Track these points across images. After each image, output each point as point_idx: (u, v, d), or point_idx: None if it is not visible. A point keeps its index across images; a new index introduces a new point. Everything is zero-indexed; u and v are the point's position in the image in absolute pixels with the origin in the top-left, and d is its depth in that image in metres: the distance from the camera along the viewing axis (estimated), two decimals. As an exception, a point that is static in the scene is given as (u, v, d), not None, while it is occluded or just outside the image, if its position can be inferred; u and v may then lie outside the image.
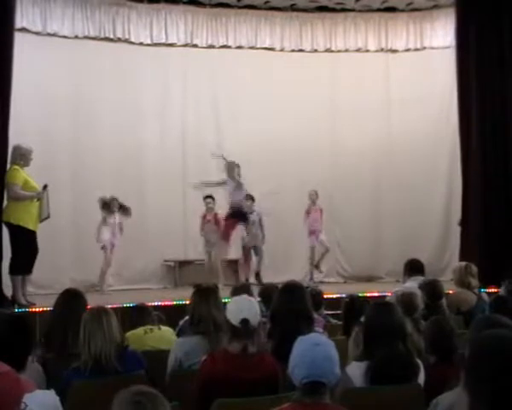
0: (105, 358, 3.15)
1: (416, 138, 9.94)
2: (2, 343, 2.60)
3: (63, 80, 9.00)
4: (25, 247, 6.93)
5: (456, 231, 9.01)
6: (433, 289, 4.71)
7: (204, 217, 8.80)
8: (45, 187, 7.09)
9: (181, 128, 9.80)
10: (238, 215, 8.53)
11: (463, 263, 5.82)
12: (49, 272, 8.37)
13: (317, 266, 9.28)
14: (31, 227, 6.96)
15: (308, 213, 9.28)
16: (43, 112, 8.90)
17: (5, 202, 7.03)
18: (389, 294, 5.35)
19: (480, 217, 8.38)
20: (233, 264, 9.71)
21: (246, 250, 9.10)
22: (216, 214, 8.83)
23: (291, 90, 9.86)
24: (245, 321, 3.02)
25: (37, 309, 6.48)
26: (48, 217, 7.18)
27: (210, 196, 8.82)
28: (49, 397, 2.55)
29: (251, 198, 8.94)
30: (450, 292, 5.61)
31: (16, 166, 7.02)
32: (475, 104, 8.46)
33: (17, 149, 7.08)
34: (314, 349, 2.35)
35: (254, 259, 9.17)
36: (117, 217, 8.37)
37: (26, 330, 2.72)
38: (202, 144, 9.79)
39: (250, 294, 3.84)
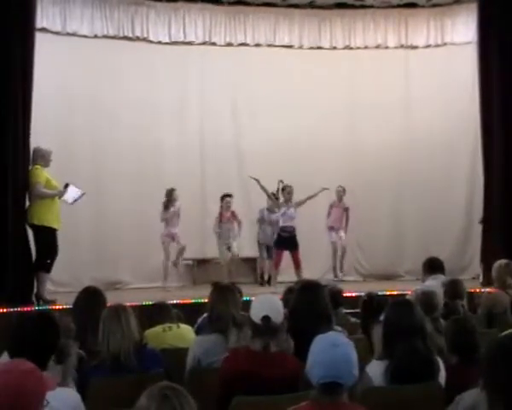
0: (124, 356, 3.17)
1: (437, 135, 9.85)
2: (27, 341, 2.64)
3: (82, 79, 9.07)
4: (49, 245, 7.08)
5: (477, 228, 8.92)
6: (453, 289, 4.66)
7: (221, 214, 8.81)
8: (67, 186, 7.19)
9: (199, 126, 9.82)
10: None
11: (504, 261, 5.63)
12: (69, 269, 8.47)
13: (334, 268, 9.29)
14: (54, 226, 7.09)
15: (331, 208, 9.28)
16: (63, 111, 8.98)
17: (27, 203, 7.16)
18: (409, 292, 5.31)
19: (502, 215, 8.28)
20: (251, 262, 9.72)
21: (260, 247, 9.14)
22: (233, 212, 8.87)
23: (310, 87, 9.83)
24: (266, 318, 3.02)
25: (57, 307, 6.55)
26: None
27: (230, 195, 8.86)
28: (71, 395, 2.59)
29: (276, 197, 8.87)
30: (477, 291, 5.55)
31: (38, 166, 7.14)
32: (497, 100, 8.36)
33: (37, 150, 7.21)
34: (332, 350, 2.33)
35: (267, 262, 9.16)
36: (175, 206, 8.58)
37: (51, 329, 2.75)
38: (220, 143, 9.81)
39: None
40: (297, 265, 8.34)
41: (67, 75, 8.99)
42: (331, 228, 9.32)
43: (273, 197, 8.76)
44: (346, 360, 2.33)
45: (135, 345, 3.22)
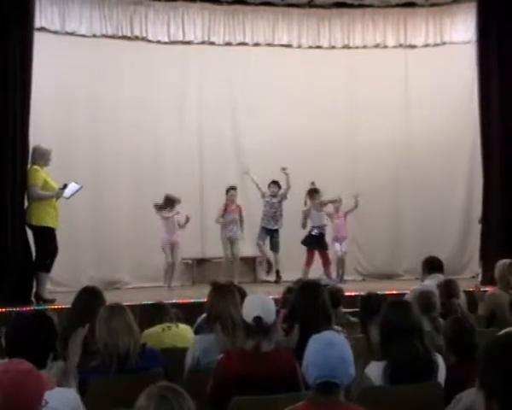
0: (123, 355, 3.16)
1: (436, 134, 9.83)
2: (24, 341, 2.64)
3: (81, 79, 9.05)
4: (47, 245, 7.08)
5: (477, 227, 8.93)
6: (447, 289, 4.65)
7: (226, 206, 8.82)
8: (65, 186, 7.18)
9: (198, 126, 9.80)
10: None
11: (508, 261, 5.60)
12: (68, 269, 8.46)
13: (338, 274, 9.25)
14: (52, 226, 7.09)
15: (332, 219, 9.18)
16: (62, 110, 8.96)
17: (25, 203, 7.16)
18: (408, 292, 5.32)
19: (501, 214, 8.29)
20: (250, 261, 9.72)
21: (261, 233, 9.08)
22: (239, 206, 8.90)
23: (309, 87, 9.82)
24: (257, 319, 3.04)
25: (56, 306, 6.54)
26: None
27: (234, 188, 8.86)
28: (70, 395, 2.59)
29: (277, 185, 8.98)
30: (474, 290, 5.54)
31: (36, 167, 7.14)
32: (496, 99, 8.37)
33: (37, 149, 7.20)
34: (327, 349, 2.33)
35: (272, 256, 9.15)
36: (173, 214, 8.63)
37: (48, 328, 2.75)
38: (219, 142, 9.80)
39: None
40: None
41: (66, 75, 8.97)
42: (335, 239, 9.22)
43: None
44: (341, 359, 2.33)
45: (133, 344, 3.22)
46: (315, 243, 8.70)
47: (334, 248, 9.22)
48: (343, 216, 9.22)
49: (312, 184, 8.94)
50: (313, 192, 8.87)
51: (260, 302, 3.15)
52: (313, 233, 8.72)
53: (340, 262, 9.24)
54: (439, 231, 9.76)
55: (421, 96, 9.94)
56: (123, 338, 3.16)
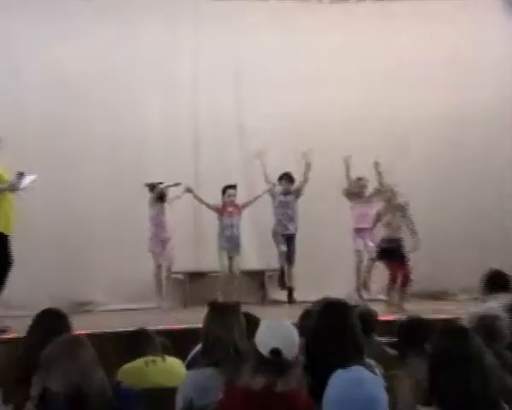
0: (86, 399, 3.13)
1: (489, 111, 9.87)
2: None
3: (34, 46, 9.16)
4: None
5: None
6: None
7: (223, 208, 8.88)
8: (21, 175, 7.11)
9: (191, 101, 9.81)
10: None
11: None
12: (23, 288, 8.40)
13: (364, 284, 9.10)
14: (4, 231, 7.03)
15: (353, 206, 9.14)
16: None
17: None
18: (464, 317, 5.28)
19: None
20: (258, 276, 9.71)
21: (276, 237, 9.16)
22: (238, 206, 8.97)
23: (331, 52, 9.83)
24: (276, 351, 3.02)
25: (6, 337, 6.45)
26: None
27: (233, 186, 8.92)
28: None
29: (291, 179, 9.03)
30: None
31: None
32: None
33: None
34: (354, 389, 2.37)
35: (286, 269, 9.15)
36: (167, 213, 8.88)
37: None
38: (218, 118, 9.75)
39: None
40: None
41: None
42: (357, 231, 9.06)
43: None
44: (370, 401, 2.37)
45: (102, 386, 3.18)
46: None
47: (355, 246, 9.07)
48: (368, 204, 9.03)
49: (376, 164, 8.68)
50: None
51: (282, 331, 3.14)
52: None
53: (361, 266, 9.10)
54: (499, 235, 9.75)
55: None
56: (80, 377, 3.12)
